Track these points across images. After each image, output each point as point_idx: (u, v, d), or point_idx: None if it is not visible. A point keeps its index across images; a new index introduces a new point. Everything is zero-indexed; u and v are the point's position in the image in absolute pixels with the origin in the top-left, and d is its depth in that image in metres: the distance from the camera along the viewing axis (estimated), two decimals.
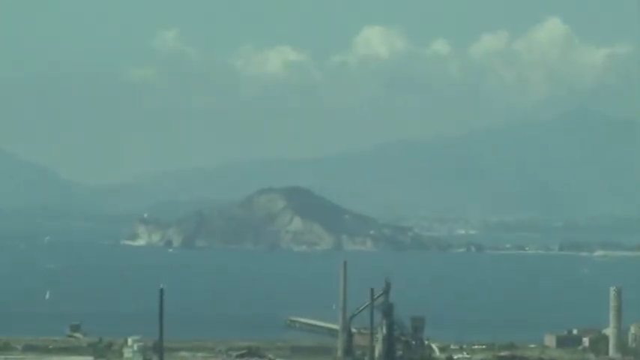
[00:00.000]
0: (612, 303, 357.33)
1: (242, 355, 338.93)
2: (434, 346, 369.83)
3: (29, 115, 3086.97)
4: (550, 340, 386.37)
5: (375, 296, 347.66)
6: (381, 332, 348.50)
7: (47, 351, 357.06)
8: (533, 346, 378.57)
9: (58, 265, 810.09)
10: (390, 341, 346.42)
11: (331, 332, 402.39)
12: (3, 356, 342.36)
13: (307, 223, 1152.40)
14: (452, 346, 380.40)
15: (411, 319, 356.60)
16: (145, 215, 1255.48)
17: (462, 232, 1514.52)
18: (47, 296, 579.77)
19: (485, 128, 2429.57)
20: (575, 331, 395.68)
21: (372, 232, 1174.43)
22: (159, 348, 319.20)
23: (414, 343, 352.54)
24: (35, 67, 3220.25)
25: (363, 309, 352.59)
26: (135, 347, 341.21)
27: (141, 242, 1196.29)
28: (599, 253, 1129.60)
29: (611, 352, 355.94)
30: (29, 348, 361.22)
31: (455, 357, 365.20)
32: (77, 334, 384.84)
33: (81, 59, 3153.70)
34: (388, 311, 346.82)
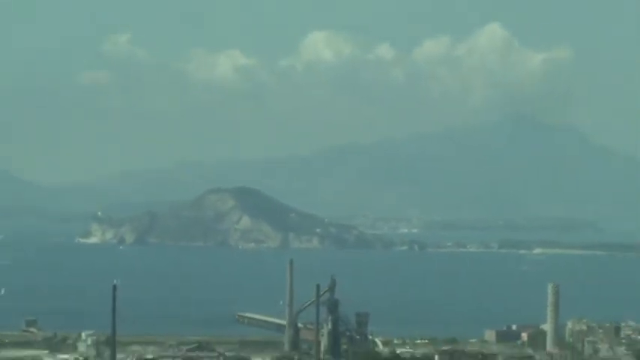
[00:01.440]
0: (550, 299, 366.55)
1: (192, 350, 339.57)
2: (377, 340, 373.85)
3: None
4: (490, 335, 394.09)
5: (321, 292, 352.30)
6: (326, 327, 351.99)
7: (3, 345, 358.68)
8: (473, 340, 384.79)
9: (11, 262, 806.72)
10: (335, 336, 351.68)
11: (278, 327, 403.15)
12: None
13: (255, 222, 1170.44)
14: (395, 341, 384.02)
15: (355, 315, 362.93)
16: (99, 214, 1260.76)
17: (405, 230, 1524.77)
18: (1, 292, 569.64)
19: (428, 132, 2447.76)
20: (514, 327, 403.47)
21: (318, 230, 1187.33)
22: (112, 342, 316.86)
23: (358, 337, 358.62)
24: None
25: (309, 305, 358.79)
26: (88, 341, 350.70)
27: (94, 240, 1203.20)
28: (537, 250, 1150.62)
29: (549, 346, 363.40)
30: None
31: (398, 351, 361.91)
32: (32, 329, 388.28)
33: (34, 62, 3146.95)
34: (333, 307, 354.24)
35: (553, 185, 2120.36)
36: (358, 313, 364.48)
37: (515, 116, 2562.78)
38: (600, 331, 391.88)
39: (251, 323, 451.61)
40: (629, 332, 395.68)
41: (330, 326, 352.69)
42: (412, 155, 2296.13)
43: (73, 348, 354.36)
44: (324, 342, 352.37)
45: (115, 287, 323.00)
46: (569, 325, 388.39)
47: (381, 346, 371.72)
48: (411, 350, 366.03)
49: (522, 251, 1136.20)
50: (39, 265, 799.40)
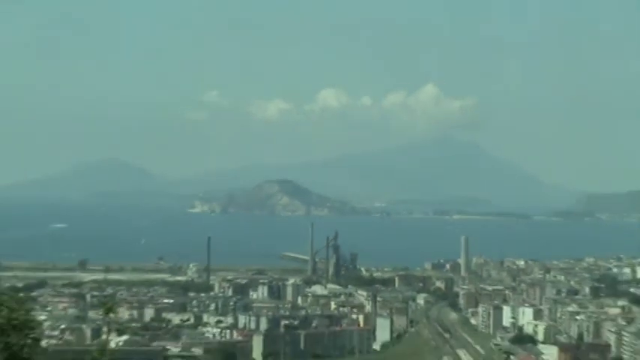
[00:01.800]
0: (462, 244, 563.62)
1: (254, 274, 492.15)
2: (362, 268, 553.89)
3: None
4: (427, 266, 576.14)
5: (329, 240, 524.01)
6: (332, 261, 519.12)
7: (144, 271, 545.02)
8: (418, 269, 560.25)
9: (149, 223, 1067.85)
10: (337, 266, 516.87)
11: (304, 261, 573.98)
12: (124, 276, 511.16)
13: (290, 200, 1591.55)
14: (372, 269, 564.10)
15: (349, 254, 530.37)
16: (200, 195, 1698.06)
17: (378, 204, 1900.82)
18: (142, 242, 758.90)
19: (393, 147, 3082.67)
20: (442, 260, 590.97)
21: (328, 204, 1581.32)
22: (207, 269, 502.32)
23: (351, 267, 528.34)
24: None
25: (323, 248, 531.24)
26: (194, 269, 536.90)
27: (197, 210, 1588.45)
28: (456, 216, 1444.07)
29: (462, 272, 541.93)
30: (136, 269, 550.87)
31: (374, 275, 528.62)
32: (161, 261, 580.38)
33: (164, 103, 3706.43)
34: (337, 249, 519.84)
35: (463, 178, 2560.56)
36: (351, 252, 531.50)
37: (442, 137, 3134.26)
38: (491, 263, 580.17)
39: (289, 258, 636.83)
40: (509, 264, 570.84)
41: (334, 260, 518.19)
42: (385, 164, 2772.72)
43: (185, 273, 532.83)
44: (330, 269, 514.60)
45: (209, 238, 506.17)
46: (474, 259, 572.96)
47: (364, 272, 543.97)
48: (380, 274, 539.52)
49: (447, 217, 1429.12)
50: (165, 224, 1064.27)
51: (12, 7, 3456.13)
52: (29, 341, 32.16)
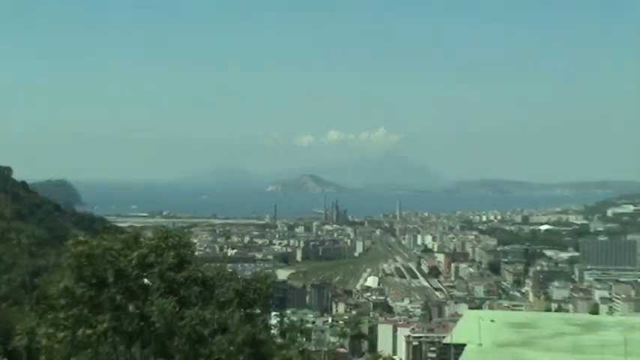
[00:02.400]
0: (398, 205, 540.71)
1: (298, 219, 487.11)
2: (349, 217, 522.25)
3: None
4: (380, 216, 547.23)
5: (333, 204, 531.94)
6: (335, 213, 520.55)
7: (241, 218, 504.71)
8: (376, 217, 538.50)
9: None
10: (337, 216, 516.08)
11: (321, 214, 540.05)
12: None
13: (314, 185, 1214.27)
14: (354, 217, 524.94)
15: (343, 210, 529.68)
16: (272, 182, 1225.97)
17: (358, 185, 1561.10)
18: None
19: (347, 165, 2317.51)
20: (388, 213, 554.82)
21: (334, 187, 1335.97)
22: (274, 217, 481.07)
23: (344, 216, 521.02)
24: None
25: (331, 207, 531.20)
26: (267, 217, 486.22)
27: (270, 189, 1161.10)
28: (399, 192, 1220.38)
29: (398, 218, 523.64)
30: (235, 217, 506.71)
31: (355, 220, 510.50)
32: (253, 214, 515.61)
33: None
34: (337, 207, 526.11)
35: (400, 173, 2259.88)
36: (344, 209, 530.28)
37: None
38: (411, 214, 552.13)
39: (314, 213, 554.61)
40: (420, 215, 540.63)
41: (335, 213, 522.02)
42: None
43: (264, 219, 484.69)
44: (334, 217, 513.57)
45: (275, 206, 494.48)
46: (403, 212, 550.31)
47: (350, 218, 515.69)
48: (358, 219, 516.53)
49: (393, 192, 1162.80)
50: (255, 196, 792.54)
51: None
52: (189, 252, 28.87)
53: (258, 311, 30.59)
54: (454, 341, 25.74)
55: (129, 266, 27.49)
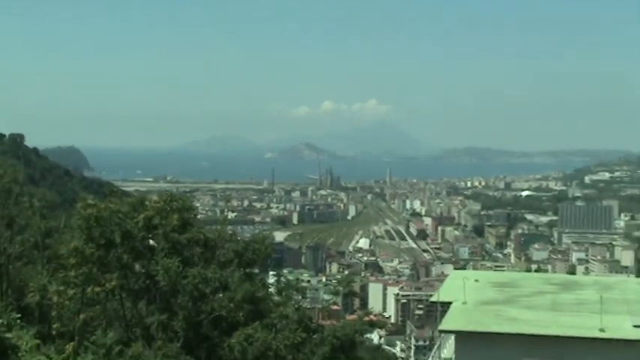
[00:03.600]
0: (388, 172, 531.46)
1: (294, 185, 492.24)
2: (342, 182, 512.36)
3: None
4: (372, 182, 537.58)
5: (328, 170, 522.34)
6: (329, 178, 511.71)
7: (239, 184, 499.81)
8: (367, 182, 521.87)
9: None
10: (331, 181, 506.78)
11: (316, 179, 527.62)
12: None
13: (310, 152, 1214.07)
14: (347, 182, 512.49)
15: (337, 175, 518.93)
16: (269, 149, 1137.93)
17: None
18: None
19: (341, 132, 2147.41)
20: (379, 180, 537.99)
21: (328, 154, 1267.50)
22: (272, 183, 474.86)
23: (337, 181, 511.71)
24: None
25: (325, 172, 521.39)
26: (265, 182, 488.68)
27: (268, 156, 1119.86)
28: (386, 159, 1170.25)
29: (388, 184, 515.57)
30: (233, 182, 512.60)
31: (348, 185, 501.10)
32: (251, 179, 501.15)
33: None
34: (331, 173, 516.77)
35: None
36: (338, 175, 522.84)
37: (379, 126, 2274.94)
38: (400, 180, 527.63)
39: (310, 179, 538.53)
40: (409, 181, 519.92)
41: (329, 178, 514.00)
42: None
43: (262, 184, 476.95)
44: (328, 182, 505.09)
45: (273, 169, 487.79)
46: (393, 179, 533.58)
47: (343, 184, 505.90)
48: (351, 185, 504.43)
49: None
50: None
51: None
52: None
53: (256, 271, 31.30)
54: (440, 299, 25.98)
55: (135, 228, 27.94)
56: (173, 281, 26.54)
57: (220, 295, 27.67)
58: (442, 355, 25.62)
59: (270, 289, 32.57)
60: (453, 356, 24.34)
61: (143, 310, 28.26)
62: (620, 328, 21.98)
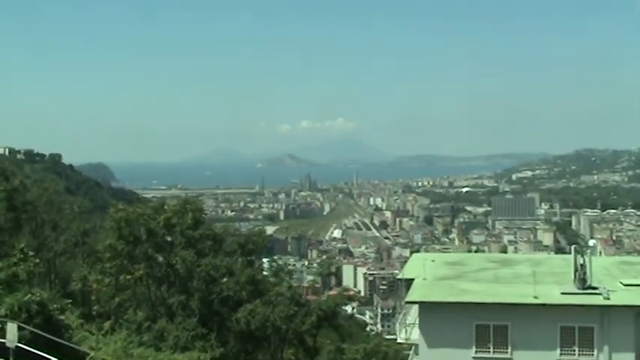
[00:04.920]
0: (354, 174, 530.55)
1: (280, 188, 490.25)
2: (318, 185, 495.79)
3: None
4: (343, 183, 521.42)
5: (307, 175, 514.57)
6: (307, 182, 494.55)
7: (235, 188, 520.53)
8: (338, 184, 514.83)
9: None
10: (309, 184, 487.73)
11: (297, 183, 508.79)
12: None
13: (291, 161, 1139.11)
14: (322, 185, 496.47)
15: (314, 179, 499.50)
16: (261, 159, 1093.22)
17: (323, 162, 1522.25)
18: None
19: (314, 145, 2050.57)
20: (351, 181, 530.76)
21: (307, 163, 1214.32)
22: (262, 187, 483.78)
23: (314, 184, 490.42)
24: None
25: (304, 177, 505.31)
26: (257, 187, 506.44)
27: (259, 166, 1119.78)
28: (351, 166, 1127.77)
29: (355, 185, 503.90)
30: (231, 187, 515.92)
31: (323, 187, 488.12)
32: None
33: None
34: (309, 178, 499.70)
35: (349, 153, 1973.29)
36: (315, 179, 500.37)
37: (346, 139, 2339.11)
38: (364, 182, 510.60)
39: (293, 183, 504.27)
40: (373, 182, 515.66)
41: (308, 182, 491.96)
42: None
43: (255, 189, 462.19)
44: (307, 185, 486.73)
45: (262, 177, 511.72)
46: (360, 180, 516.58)
47: (319, 186, 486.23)
48: (325, 187, 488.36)
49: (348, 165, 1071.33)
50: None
51: None
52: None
53: (255, 258, 31.27)
54: (405, 277, 25.94)
55: (157, 227, 27.99)
56: (189, 269, 26.64)
57: (227, 279, 27.81)
58: (407, 321, 25.58)
59: (265, 273, 32.56)
60: (417, 321, 24.29)
61: (165, 293, 28.40)
62: (550, 295, 22.09)
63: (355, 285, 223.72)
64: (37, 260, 24.45)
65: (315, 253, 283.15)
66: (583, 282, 22.19)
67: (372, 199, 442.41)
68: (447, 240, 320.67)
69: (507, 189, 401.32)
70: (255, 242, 29.36)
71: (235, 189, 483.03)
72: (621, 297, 21.78)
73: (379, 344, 45.50)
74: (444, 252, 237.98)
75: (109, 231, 28.70)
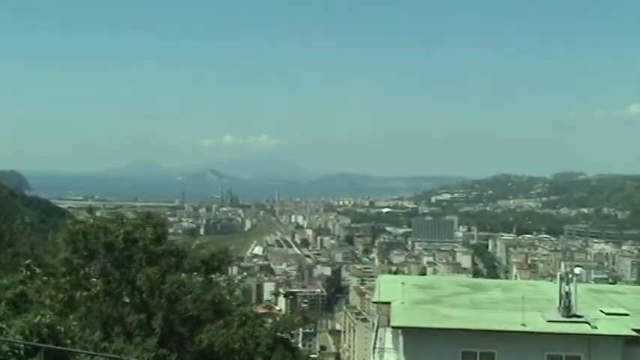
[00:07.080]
0: (276, 193, 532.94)
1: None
2: (240, 201, 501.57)
3: None
4: (269, 203, 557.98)
5: (228, 190, 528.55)
6: (229, 199, 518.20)
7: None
8: (264, 200, 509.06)
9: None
10: (231, 201, 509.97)
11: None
12: None
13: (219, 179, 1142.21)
14: (245, 202, 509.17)
15: (230, 193, 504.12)
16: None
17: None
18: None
19: (246, 158, 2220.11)
20: (271, 199, 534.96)
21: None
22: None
23: (236, 200, 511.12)
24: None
25: (226, 192, 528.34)
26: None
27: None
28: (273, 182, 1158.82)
29: (277, 204, 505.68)
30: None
31: (245, 203, 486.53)
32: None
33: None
34: (231, 193, 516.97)
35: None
36: (236, 196, 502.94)
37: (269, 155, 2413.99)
38: (286, 200, 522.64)
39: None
40: (295, 200, 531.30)
41: (230, 198, 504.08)
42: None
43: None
44: (228, 202, 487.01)
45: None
46: (281, 199, 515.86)
47: (241, 202, 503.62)
48: (247, 204, 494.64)
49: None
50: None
51: None
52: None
53: (217, 276, 30.06)
54: (381, 300, 25.24)
55: (116, 241, 26.59)
56: (152, 286, 25.40)
57: (190, 296, 26.66)
58: (383, 346, 24.83)
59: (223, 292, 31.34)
60: (393, 346, 23.64)
61: (122, 310, 26.93)
62: (537, 322, 21.79)
63: (276, 303, 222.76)
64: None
65: (235, 269, 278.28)
66: (568, 310, 22.14)
67: (293, 217, 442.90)
68: (367, 259, 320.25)
69: (427, 211, 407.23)
70: (219, 259, 28.09)
71: (155, 202, 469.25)
72: (607, 326, 21.84)
73: None
74: (365, 272, 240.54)
75: (61, 244, 26.48)
